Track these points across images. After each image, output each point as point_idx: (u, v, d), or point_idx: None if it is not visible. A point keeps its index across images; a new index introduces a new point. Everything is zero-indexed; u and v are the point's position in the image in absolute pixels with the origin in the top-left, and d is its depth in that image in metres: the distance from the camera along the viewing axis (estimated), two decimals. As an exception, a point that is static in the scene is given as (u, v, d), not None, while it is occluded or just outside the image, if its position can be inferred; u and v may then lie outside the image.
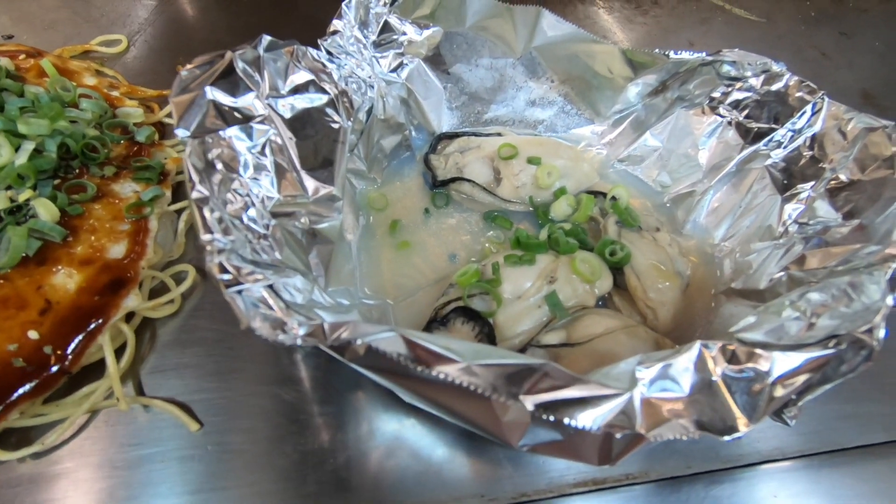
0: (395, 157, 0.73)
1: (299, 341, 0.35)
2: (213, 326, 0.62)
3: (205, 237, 0.38)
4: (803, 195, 0.59)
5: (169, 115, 0.79)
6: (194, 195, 0.39)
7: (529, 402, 0.33)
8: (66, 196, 0.59)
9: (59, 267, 0.56)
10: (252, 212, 0.44)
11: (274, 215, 0.47)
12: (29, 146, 0.59)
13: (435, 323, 0.55)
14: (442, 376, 0.33)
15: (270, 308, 0.36)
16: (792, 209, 0.59)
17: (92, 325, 0.54)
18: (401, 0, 0.66)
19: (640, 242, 0.62)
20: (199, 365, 0.59)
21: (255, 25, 1.01)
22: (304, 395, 0.57)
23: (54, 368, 0.52)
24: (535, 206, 0.68)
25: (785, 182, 0.61)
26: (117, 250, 0.59)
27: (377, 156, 0.69)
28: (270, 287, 0.37)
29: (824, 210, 0.56)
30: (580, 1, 1.09)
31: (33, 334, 0.52)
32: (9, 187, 0.58)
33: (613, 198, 0.66)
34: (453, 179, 0.69)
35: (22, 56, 0.75)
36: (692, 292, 0.62)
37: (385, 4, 0.66)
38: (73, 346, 0.53)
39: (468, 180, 0.68)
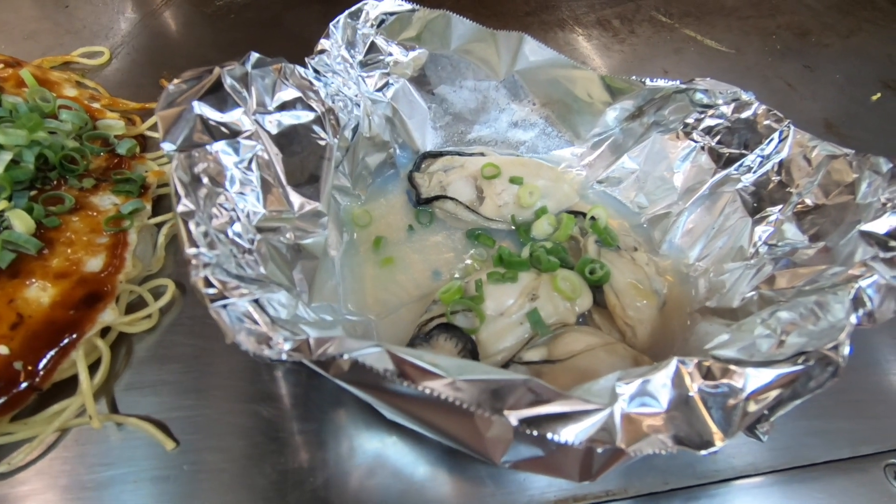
0: (380, 174, 0.73)
1: (284, 356, 0.35)
2: (192, 342, 0.61)
3: (190, 251, 0.37)
4: (772, 218, 0.61)
5: (151, 128, 0.78)
6: (180, 209, 0.39)
7: (513, 417, 0.33)
8: (42, 208, 0.58)
9: (33, 280, 0.55)
10: (237, 226, 0.44)
11: (259, 230, 0.47)
12: (6, 156, 0.58)
13: (418, 339, 0.55)
14: (427, 391, 0.33)
15: (255, 322, 0.36)
16: (762, 231, 0.61)
17: (65, 341, 0.53)
18: (388, 22, 0.68)
19: (619, 262, 0.64)
20: (176, 381, 0.58)
21: (239, 42, 1.01)
22: (284, 412, 0.57)
23: (24, 385, 0.50)
24: (516, 224, 0.69)
25: (755, 205, 0.63)
26: (94, 263, 0.58)
27: (362, 173, 0.70)
28: (256, 301, 0.37)
29: (792, 232, 0.58)
30: (560, 28, 1.12)
31: (3, 349, 0.51)
32: (-17, 198, 0.57)
33: (593, 218, 0.68)
34: (437, 197, 0.70)
35: (0, 66, 0.74)
36: (668, 311, 0.64)
37: (372, 26, 0.67)
38: (44, 361, 0.52)
39: (452, 198, 0.69)
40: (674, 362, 0.39)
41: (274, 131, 0.52)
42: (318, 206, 0.53)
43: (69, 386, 0.54)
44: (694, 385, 0.38)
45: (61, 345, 0.53)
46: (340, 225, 0.66)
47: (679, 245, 0.70)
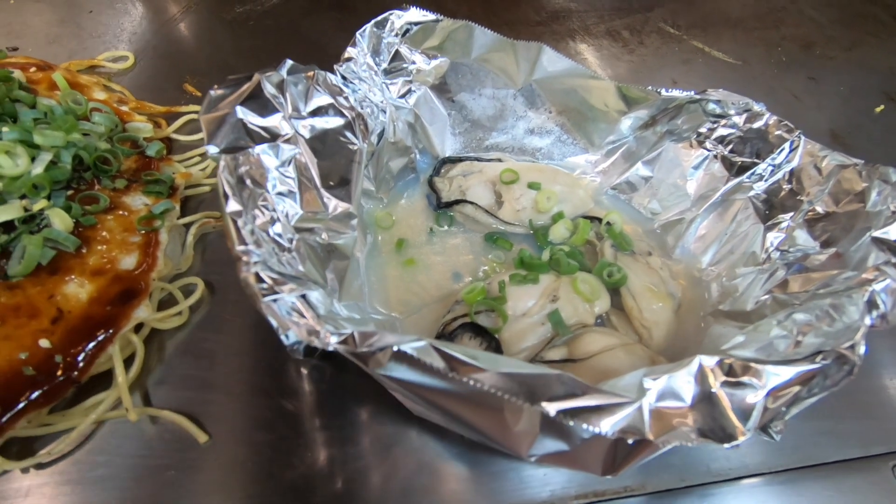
0: (401, 178, 0.76)
1: (331, 348, 0.36)
2: (220, 339, 0.63)
3: (239, 248, 0.39)
4: (784, 225, 0.63)
5: (176, 131, 0.80)
6: (229, 209, 0.41)
7: (551, 408, 0.35)
8: (79, 207, 0.60)
9: (72, 276, 0.57)
10: (278, 227, 0.46)
11: (297, 230, 0.49)
12: (46, 157, 0.60)
13: (443, 338, 0.57)
14: (472, 383, 0.35)
15: (303, 316, 0.38)
16: (774, 237, 0.63)
17: (102, 335, 0.55)
18: (412, 31, 0.70)
19: (635, 265, 0.66)
20: (206, 377, 0.59)
21: (258, 48, 1.03)
22: (311, 408, 0.58)
23: (63, 377, 0.52)
24: (534, 228, 0.71)
25: (766, 212, 0.65)
26: (128, 261, 0.60)
27: (385, 177, 0.72)
28: (303, 297, 0.39)
29: (803, 239, 0.60)
30: (570, 38, 1.15)
31: (44, 343, 0.52)
32: (23, 196, 0.59)
33: (609, 223, 0.70)
34: (457, 201, 0.72)
35: (33, 69, 0.76)
36: (682, 314, 0.66)
37: (397, 35, 0.70)
38: (83, 355, 0.53)
39: (471, 202, 0.71)
40: (697, 360, 0.41)
41: (307, 136, 0.54)
42: (349, 207, 0.55)
43: (104, 380, 0.56)
44: (716, 381, 0.40)
45: (98, 339, 0.54)
46: (364, 227, 0.68)
47: (692, 250, 0.72)
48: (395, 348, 0.35)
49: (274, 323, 0.36)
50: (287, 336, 0.37)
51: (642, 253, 0.69)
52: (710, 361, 0.41)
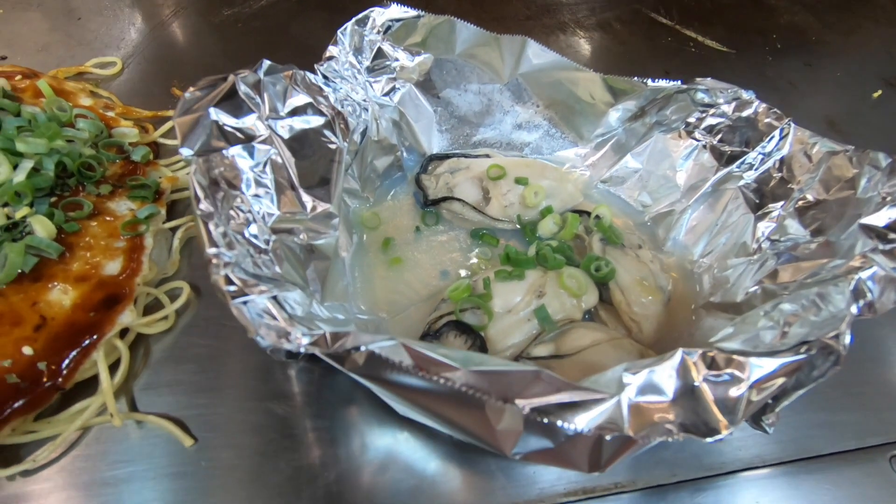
0: (387, 176, 0.75)
1: (303, 349, 0.36)
2: (206, 343, 0.62)
3: (210, 251, 0.39)
4: (774, 214, 0.62)
5: (164, 135, 0.80)
6: (200, 211, 0.41)
7: (525, 405, 0.34)
8: (62, 213, 0.60)
9: (55, 283, 0.56)
10: (253, 228, 0.46)
11: (274, 231, 0.49)
12: (27, 164, 0.60)
13: (428, 336, 0.56)
14: (442, 381, 0.34)
15: (274, 318, 0.37)
16: (764, 227, 0.62)
17: (86, 342, 0.54)
18: (394, 28, 0.69)
19: (624, 259, 0.65)
20: (192, 381, 0.59)
21: (247, 50, 1.03)
22: (298, 410, 0.58)
23: (48, 384, 0.52)
24: (522, 224, 0.71)
25: (757, 202, 0.64)
26: (113, 267, 0.60)
27: (370, 175, 0.72)
28: (274, 298, 0.38)
29: (794, 228, 0.59)
30: (561, 31, 1.14)
31: (28, 350, 0.52)
32: (5, 204, 0.59)
33: (598, 216, 0.69)
34: (444, 199, 0.71)
35: (18, 77, 0.76)
36: (673, 306, 0.65)
37: (379, 32, 0.69)
38: (67, 361, 0.53)
39: (459, 199, 0.71)
40: (679, 353, 0.40)
41: (286, 136, 0.54)
42: (329, 207, 0.54)
43: (90, 386, 0.56)
44: (699, 375, 0.39)
45: (82, 345, 0.54)
46: (350, 227, 0.67)
47: (683, 242, 0.71)
48: (363, 348, 0.34)
49: (244, 324, 0.36)
50: (261, 338, 0.37)
51: (632, 246, 0.68)
52: (692, 355, 0.40)
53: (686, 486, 0.56)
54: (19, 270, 0.56)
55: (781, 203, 0.62)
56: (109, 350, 0.57)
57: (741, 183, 0.66)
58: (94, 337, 0.55)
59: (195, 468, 0.53)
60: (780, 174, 0.64)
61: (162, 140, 0.80)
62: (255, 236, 0.46)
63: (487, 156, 0.78)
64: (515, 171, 0.72)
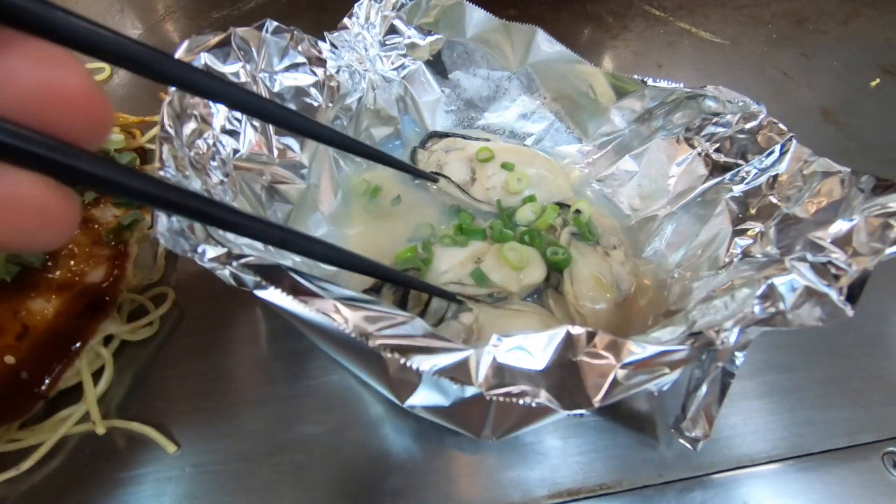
0: (384, 146, 0.79)
1: (206, 262, 0.39)
2: (192, 348, 0.63)
3: (157, 170, 0.44)
4: (755, 230, 0.59)
5: (150, 141, 0.79)
6: (161, 134, 0.46)
7: (377, 341, 0.36)
8: (46, 221, 0.64)
9: (38, 291, 0.56)
10: (215, 162, 0.51)
11: (236, 168, 0.54)
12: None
13: (371, 291, 0.59)
14: (312, 307, 0.37)
15: (193, 234, 0.41)
16: (741, 242, 0.59)
17: (69, 349, 0.54)
18: (408, 6, 0.73)
19: (590, 254, 0.64)
20: (177, 386, 0.60)
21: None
22: (281, 415, 0.58)
23: (31, 393, 0.52)
24: (500, 209, 0.72)
25: (739, 216, 0.61)
26: (96, 274, 0.59)
27: (365, 142, 0.75)
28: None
29: (769, 246, 0.56)
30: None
31: (10, 359, 0.51)
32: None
33: (577, 210, 0.69)
34: (433, 174, 0.73)
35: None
36: (633, 312, 0.63)
37: (393, 8, 0.73)
38: (50, 370, 0.53)
39: (445, 176, 0.73)
40: (564, 328, 0.40)
41: (272, 88, 0.59)
42: (298, 156, 0.59)
43: (75, 393, 0.56)
44: (577, 350, 0.39)
45: (66, 354, 0.54)
46: (336, 186, 0.72)
47: (663, 250, 0.68)
48: (244, 261, 0.38)
49: (161, 240, 0.39)
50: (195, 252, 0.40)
51: (608, 246, 0.67)
52: (577, 331, 0.40)
53: (673, 486, 0.54)
54: (2, 279, 0.55)
55: (763, 220, 0.58)
56: (93, 358, 0.58)
57: (728, 195, 0.63)
58: (78, 345, 0.55)
59: (180, 473, 0.54)
60: (769, 191, 0.60)
61: (149, 146, 0.79)
62: (216, 168, 0.51)
63: (487, 139, 0.79)
64: (504, 157, 0.73)
